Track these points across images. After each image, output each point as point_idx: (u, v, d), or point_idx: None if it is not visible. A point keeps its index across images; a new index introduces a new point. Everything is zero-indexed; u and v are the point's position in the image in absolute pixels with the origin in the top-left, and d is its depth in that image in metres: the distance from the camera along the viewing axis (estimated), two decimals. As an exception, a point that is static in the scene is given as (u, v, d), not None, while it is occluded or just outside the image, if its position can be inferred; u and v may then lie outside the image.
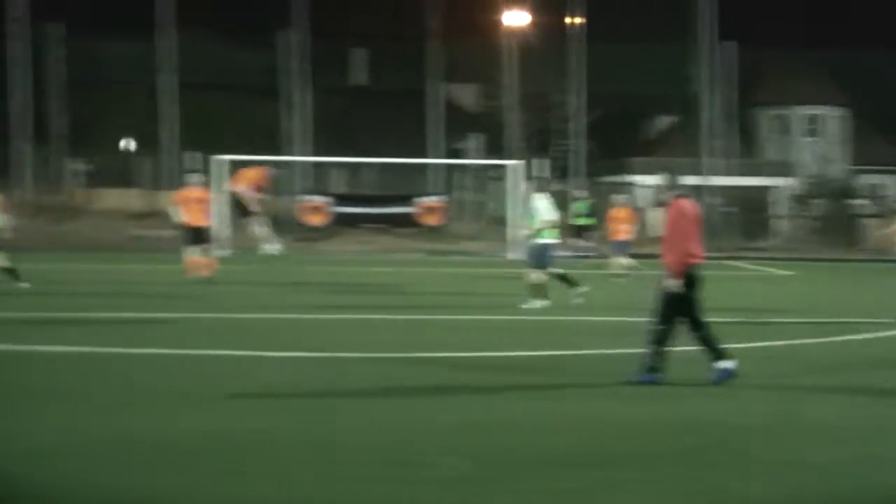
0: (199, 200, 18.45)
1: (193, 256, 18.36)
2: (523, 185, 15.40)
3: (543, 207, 14.92)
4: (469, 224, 35.62)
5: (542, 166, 34.07)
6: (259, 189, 17.46)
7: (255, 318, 13.56)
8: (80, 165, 38.53)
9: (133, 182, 37.55)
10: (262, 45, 39.99)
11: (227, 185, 17.60)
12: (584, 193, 27.04)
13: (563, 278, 15.29)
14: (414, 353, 10.25)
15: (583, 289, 15.28)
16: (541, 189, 15.40)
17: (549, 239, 14.96)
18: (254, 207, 17.89)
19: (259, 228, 17.16)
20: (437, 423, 7.02)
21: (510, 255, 28.91)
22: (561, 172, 37.94)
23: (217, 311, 14.12)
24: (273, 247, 17.00)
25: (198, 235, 18.28)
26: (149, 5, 36.80)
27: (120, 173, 36.82)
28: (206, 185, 19.18)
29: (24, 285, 16.34)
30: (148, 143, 37.14)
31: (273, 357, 9.96)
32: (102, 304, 14.81)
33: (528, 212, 15.08)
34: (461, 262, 28.44)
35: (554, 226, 15.02)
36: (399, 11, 41.08)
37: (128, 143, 17.40)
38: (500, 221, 31.71)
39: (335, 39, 40.49)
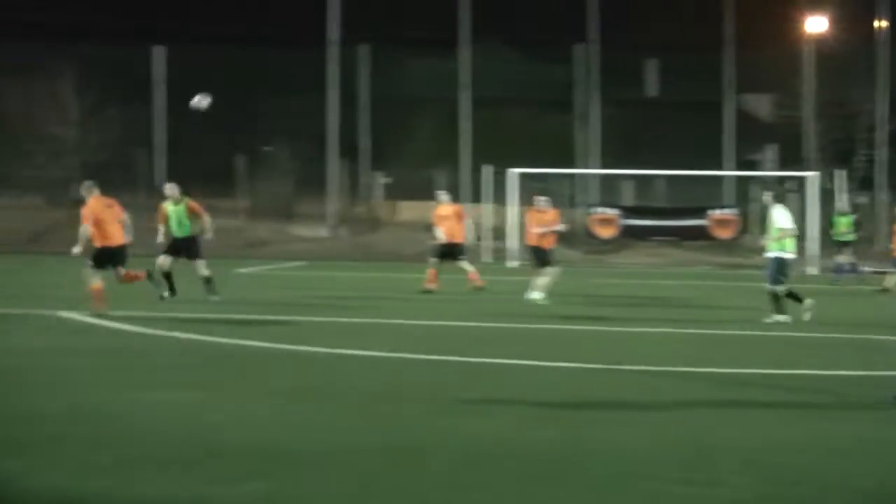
0: (450, 217, 19.37)
1: (433, 269, 19.17)
2: (764, 195, 15.20)
3: (780, 218, 14.62)
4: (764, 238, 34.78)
5: (841, 178, 32.80)
6: (551, 225, 17.86)
7: (541, 328, 14.01)
8: (382, 179, 40.60)
9: (431, 195, 39.20)
10: (555, 58, 40.66)
11: (530, 229, 18.12)
12: (846, 208, 26.15)
13: (790, 294, 14.84)
14: (701, 368, 10.32)
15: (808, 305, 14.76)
16: (778, 199, 15.11)
17: (785, 252, 14.62)
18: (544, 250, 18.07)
19: (542, 279, 17.56)
20: (728, 440, 6.98)
21: (808, 271, 28.10)
22: (861, 184, 36.33)
23: (504, 321, 14.68)
24: (538, 295, 17.35)
25: (451, 251, 19.10)
26: (450, 23, 38.36)
27: (418, 186, 38.52)
28: (456, 200, 19.95)
29: (216, 298, 16.57)
30: (446, 156, 38.64)
31: (558, 367, 10.29)
32: (397, 311, 15.74)
33: (767, 222, 14.85)
34: (755, 276, 27.84)
35: (791, 237, 14.65)
36: (693, 21, 40.63)
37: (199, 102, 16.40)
38: (799, 236, 30.69)
39: (628, 51, 40.59)
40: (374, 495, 5.62)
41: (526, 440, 6.88)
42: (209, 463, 6.16)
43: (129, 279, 15.32)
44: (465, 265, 19.33)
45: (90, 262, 14.75)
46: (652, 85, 46.22)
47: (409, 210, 38.33)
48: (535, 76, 40.47)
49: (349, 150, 38.81)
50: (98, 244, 14.74)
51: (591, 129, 38.87)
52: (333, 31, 38.33)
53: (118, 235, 14.80)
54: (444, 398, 8.44)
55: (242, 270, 26.63)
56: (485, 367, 10.40)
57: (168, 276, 16.40)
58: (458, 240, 19.33)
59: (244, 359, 10.70)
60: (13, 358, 10.44)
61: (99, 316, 14.07)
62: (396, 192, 40.04)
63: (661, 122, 40.16)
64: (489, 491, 5.70)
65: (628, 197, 38.69)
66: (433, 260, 19.33)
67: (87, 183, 15.23)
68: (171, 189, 16.94)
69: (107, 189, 15.50)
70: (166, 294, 16.28)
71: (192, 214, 16.71)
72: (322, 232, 37.66)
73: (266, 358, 10.83)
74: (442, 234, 19.37)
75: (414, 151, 40.34)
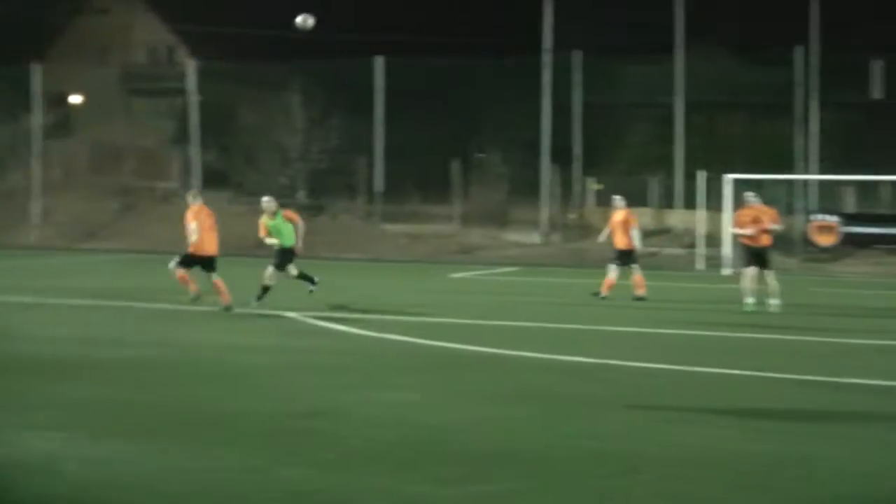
0: (620, 223, 19.33)
1: (612, 276, 19.16)
2: None
3: None
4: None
5: None
6: (759, 228, 17.52)
7: (753, 337, 13.82)
8: (594, 185, 40.62)
9: (645, 201, 38.97)
10: (773, 61, 39.60)
11: (731, 229, 17.96)
12: None
13: None
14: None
15: None
16: None
17: None
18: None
19: (745, 283, 17.30)
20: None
21: None
22: None
23: (715, 329, 14.54)
24: (776, 302, 17.06)
25: (622, 257, 19.15)
26: (664, 28, 38.01)
27: (631, 192, 38.38)
28: (628, 207, 19.95)
29: (255, 303, 16.36)
30: (659, 162, 38.30)
31: (771, 378, 10.17)
32: (609, 318, 15.82)
33: None
34: None
35: None
36: (922, 19, 38.77)
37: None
38: None
39: (850, 53, 39.10)
40: (585, 501, 5.80)
41: (739, 452, 6.86)
42: (430, 463, 6.45)
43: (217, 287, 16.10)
44: (610, 271, 19.38)
45: (178, 259, 15.83)
46: (876, 87, 44.33)
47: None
48: (752, 79, 39.47)
49: (562, 157, 39.02)
50: (191, 248, 15.84)
51: (810, 133, 37.66)
52: (547, 38, 38.67)
53: (211, 245, 15.87)
54: (655, 406, 8.50)
55: (455, 275, 27.28)
56: (697, 375, 10.40)
57: (301, 275, 16.87)
58: (619, 246, 19.36)
59: (459, 362, 11.07)
60: (246, 357, 11.17)
61: (194, 301, 15.56)
62: (608, 199, 39.95)
63: (887, 125, 38.48)
64: (699, 501, 5.78)
65: (850, 203, 37.30)
66: (634, 266, 19.47)
67: (194, 191, 16.68)
68: (266, 203, 16.94)
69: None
70: (313, 288, 16.90)
71: (290, 222, 16.81)
72: (534, 238, 38.02)
73: (480, 362, 11.14)
74: (603, 238, 19.85)
75: (626, 157, 40.15)
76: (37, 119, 42.60)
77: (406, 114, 38.31)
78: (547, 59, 38.66)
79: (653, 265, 31.68)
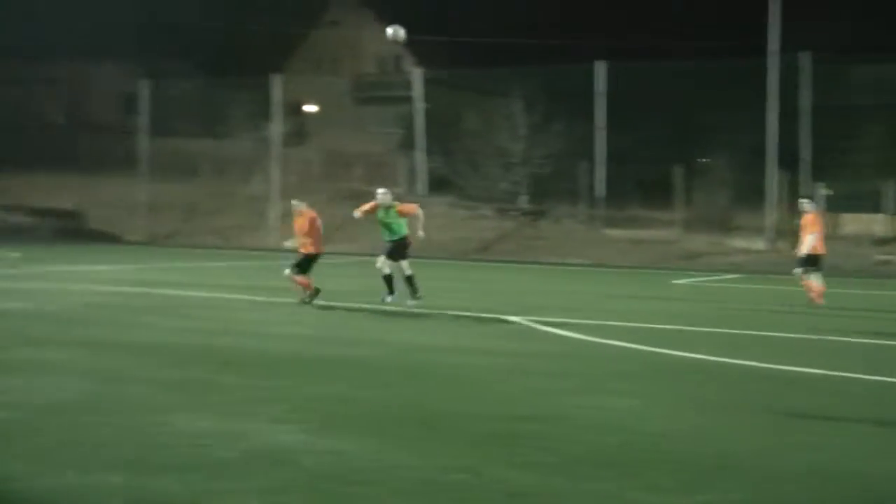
0: (809, 227, 18.75)
1: (809, 281, 18.80)
2: None
3: None
4: None
5: None
6: None
7: None
8: (823, 190, 39.23)
9: (878, 207, 37.37)
10: None
11: None
12: None
13: None
14: None
15: None
16: None
17: None
18: None
19: None
20: None
21: None
22: None
23: None
24: None
25: (813, 261, 18.76)
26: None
27: (863, 198, 36.84)
28: (818, 210, 19.25)
29: (412, 302, 16.66)
30: (894, 166, 36.65)
31: None
32: (832, 327, 15.31)
33: None
34: None
35: None
36: None
37: None
38: None
39: None
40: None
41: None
42: (651, 470, 6.50)
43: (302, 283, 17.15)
44: (814, 277, 18.89)
45: (297, 266, 16.93)
46: None
47: (852, 223, 36.76)
48: None
49: (788, 161, 37.88)
50: (312, 250, 17.00)
51: None
52: (773, 39, 37.61)
53: (321, 245, 17.11)
54: (886, 421, 8.29)
55: (678, 282, 27.00)
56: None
57: (388, 278, 16.80)
58: (804, 250, 18.89)
59: (681, 369, 11.03)
60: (469, 359, 11.47)
61: (312, 296, 16.62)
62: (838, 204, 38.50)
63: None
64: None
65: None
66: (797, 270, 19.11)
67: (299, 198, 17.70)
68: (382, 195, 17.09)
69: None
70: (388, 299, 16.76)
71: (404, 217, 16.95)
72: (759, 244, 37.06)
73: (702, 369, 11.06)
74: (804, 244, 19.27)
75: (858, 162, 38.54)
76: (277, 128, 44.77)
77: (628, 118, 38.11)
78: (773, 60, 37.62)
79: (886, 274, 30.48)
